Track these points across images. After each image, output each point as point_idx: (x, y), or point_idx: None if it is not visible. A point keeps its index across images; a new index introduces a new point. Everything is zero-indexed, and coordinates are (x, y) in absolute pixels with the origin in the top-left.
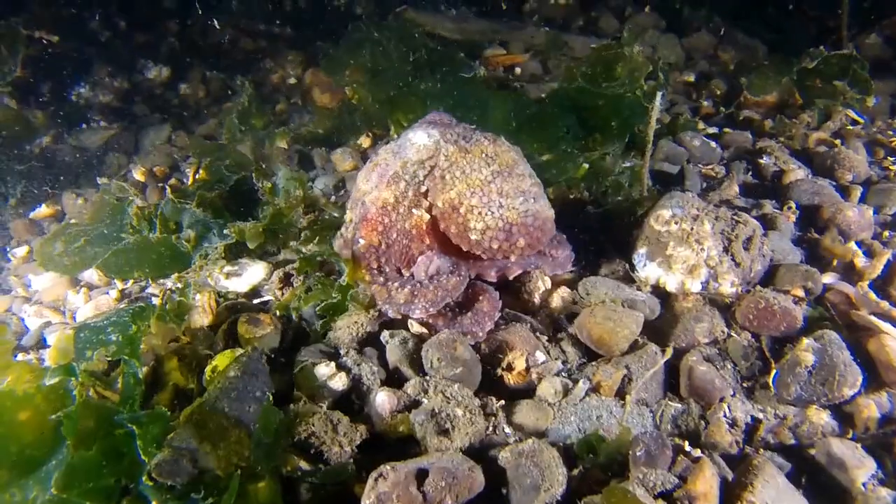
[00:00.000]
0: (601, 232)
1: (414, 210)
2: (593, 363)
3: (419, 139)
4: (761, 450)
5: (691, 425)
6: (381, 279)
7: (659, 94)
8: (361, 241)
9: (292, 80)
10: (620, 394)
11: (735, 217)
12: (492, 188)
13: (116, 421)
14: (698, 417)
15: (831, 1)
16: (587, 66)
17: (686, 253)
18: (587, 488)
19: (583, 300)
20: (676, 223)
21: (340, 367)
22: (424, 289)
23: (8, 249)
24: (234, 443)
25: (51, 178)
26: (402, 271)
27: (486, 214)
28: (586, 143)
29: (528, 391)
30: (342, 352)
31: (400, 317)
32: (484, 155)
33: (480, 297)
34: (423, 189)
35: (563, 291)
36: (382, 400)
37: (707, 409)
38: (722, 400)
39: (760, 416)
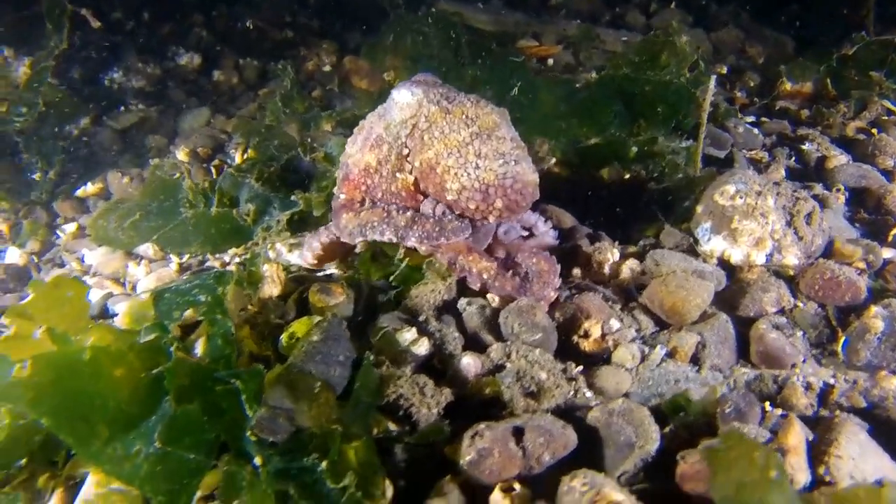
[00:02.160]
0: (661, 208)
1: (398, 174)
2: (665, 331)
3: (402, 98)
4: (837, 412)
5: (765, 390)
6: (368, 205)
7: (713, 77)
8: (342, 197)
9: (327, 68)
10: (694, 360)
11: (795, 193)
12: (469, 150)
13: (217, 377)
14: (771, 383)
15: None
16: (634, 55)
17: (752, 226)
18: (678, 446)
19: (652, 271)
20: (741, 198)
21: (422, 332)
22: (426, 219)
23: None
24: (323, 404)
25: (90, 159)
26: None
27: (461, 175)
28: (633, 128)
29: (603, 358)
30: (421, 318)
31: (395, 240)
32: (465, 116)
33: (536, 259)
34: (406, 152)
35: (632, 263)
36: (468, 363)
37: (779, 375)
38: (794, 366)
39: (832, 381)
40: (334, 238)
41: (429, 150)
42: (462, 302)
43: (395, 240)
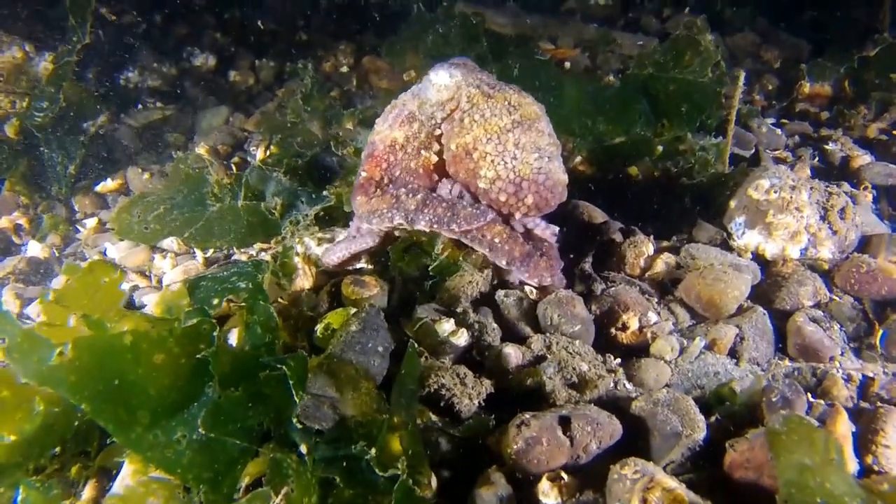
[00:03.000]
0: (695, 203)
1: (423, 151)
2: (702, 324)
3: (440, 79)
4: (878, 403)
5: (804, 383)
6: (379, 192)
7: (742, 72)
8: (363, 174)
9: (344, 69)
10: (732, 353)
11: (828, 189)
12: (509, 137)
13: (262, 363)
14: (810, 375)
15: (872, 3)
16: (659, 54)
17: (787, 220)
18: (723, 436)
19: (687, 265)
20: (776, 192)
21: (460, 323)
22: (437, 203)
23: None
24: (364, 393)
25: (109, 156)
26: None
27: (498, 164)
28: (657, 127)
29: (641, 350)
30: (458, 310)
31: (405, 224)
32: (507, 103)
33: (546, 246)
34: (438, 133)
35: (667, 257)
36: (509, 354)
37: (818, 368)
38: (832, 359)
39: (871, 373)
40: (348, 256)
41: (467, 133)
42: (500, 293)
43: (405, 223)
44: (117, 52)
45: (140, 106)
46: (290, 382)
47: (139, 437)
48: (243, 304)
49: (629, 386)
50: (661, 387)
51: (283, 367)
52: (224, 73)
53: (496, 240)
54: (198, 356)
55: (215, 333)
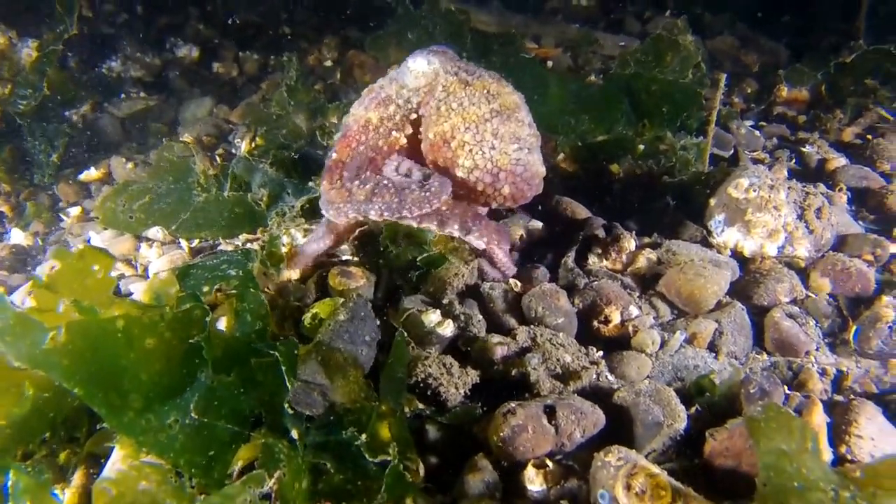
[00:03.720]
0: (675, 201)
1: (394, 132)
2: (682, 318)
3: (418, 66)
4: (852, 396)
5: (780, 377)
6: (339, 183)
7: (723, 76)
8: (333, 156)
9: (328, 63)
10: (711, 347)
11: (805, 189)
12: (487, 127)
13: (255, 349)
14: (786, 369)
15: (848, 12)
16: (641, 54)
17: (766, 218)
18: (702, 426)
19: (668, 261)
20: (755, 191)
21: (446, 315)
22: (385, 190)
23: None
24: (352, 381)
25: (91, 145)
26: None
27: (476, 153)
28: (638, 126)
29: (622, 343)
30: (444, 301)
31: (360, 217)
32: (486, 91)
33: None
34: (413, 117)
35: (649, 253)
36: (495, 345)
37: (794, 362)
38: (807, 353)
39: (845, 368)
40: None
41: (445, 121)
42: (485, 286)
43: (359, 217)
44: (98, 41)
45: (123, 96)
46: (283, 368)
47: (131, 421)
48: (231, 292)
49: (611, 377)
50: (642, 379)
51: (276, 353)
52: (208, 64)
53: (444, 208)
54: (190, 341)
55: (207, 319)
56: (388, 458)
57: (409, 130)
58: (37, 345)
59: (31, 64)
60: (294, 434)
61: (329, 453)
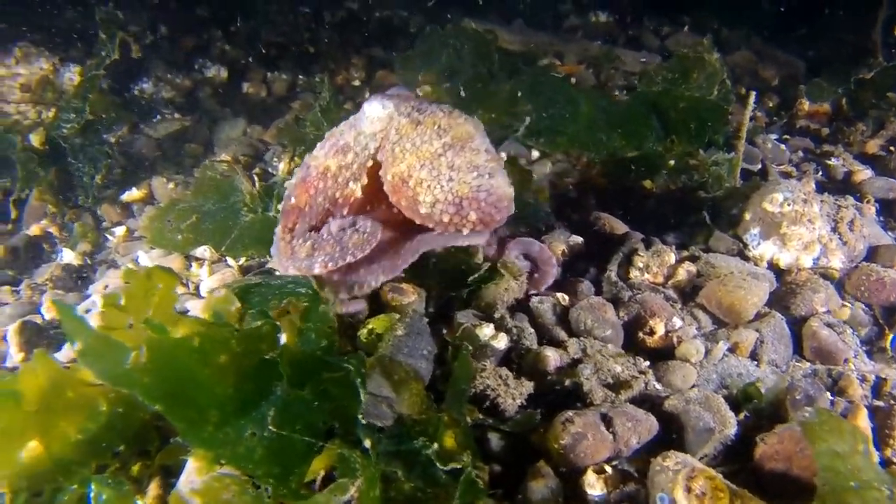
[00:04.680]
0: (712, 216)
1: (351, 183)
2: (723, 329)
3: (373, 111)
4: (892, 402)
5: (821, 384)
6: (289, 237)
7: (753, 93)
8: (292, 200)
9: (356, 83)
10: (752, 356)
11: (837, 202)
12: (442, 161)
13: (326, 363)
14: (826, 376)
15: (859, 25)
16: (667, 71)
17: (801, 231)
18: (751, 431)
19: (707, 273)
20: (789, 205)
21: (499, 328)
22: (325, 243)
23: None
24: (414, 394)
25: (129, 166)
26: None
27: (434, 188)
28: (667, 142)
29: (666, 353)
30: (496, 315)
31: (303, 273)
32: (437, 127)
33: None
34: (370, 164)
35: (688, 266)
36: (549, 356)
37: (833, 370)
38: (846, 361)
39: (884, 374)
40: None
41: (400, 162)
42: (534, 300)
43: (301, 273)
44: (129, 63)
45: (159, 117)
46: (357, 381)
47: (210, 435)
48: (288, 311)
49: (658, 386)
50: (688, 387)
51: (348, 367)
52: (236, 85)
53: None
54: (265, 356)
55: (279, 335)
56: (458, 466)
57: (365, 181)
58: (119, 364)
59: (75, 88)
60: (367, 444)
61: (400, 462)
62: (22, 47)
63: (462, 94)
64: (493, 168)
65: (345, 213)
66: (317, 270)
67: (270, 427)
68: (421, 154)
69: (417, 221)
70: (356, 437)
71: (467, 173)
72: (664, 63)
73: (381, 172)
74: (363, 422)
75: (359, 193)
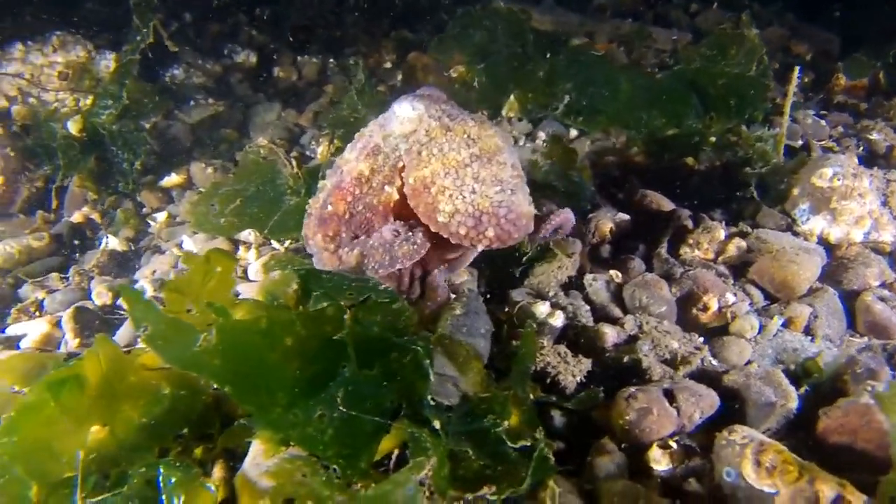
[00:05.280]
0: (759, 191)
1: (386, 187)
2: (776, 304)
3: (403, 111)
4: None
5: (880, 358)
6: (333, 246)
7: (797, 69)
8: (329, 208)
9: (388, 65)
10: (806, 331)
11: (886, 175)
12: (467, 172)
13: (393, 343)
14: (881, 350)
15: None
16: (707, 48)
17: (852, 206)
18: (812, 406)
19: (758, 248)
20: (839, 179)
21: (554, 306)
22: (374, 250)
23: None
24: (476, 372)
25: (165, 152)
26: None
27: (456, 198)
28: (706, 119)
29: (720, 329)
30: (550, 294)
31: None
32: (466, 136)
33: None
34: (400, 165)
35: (738, 241)
36: (607, 333)
37: (888, 343)
38: None
39: None
40: None
41: (425, 167)
42: (588, 277)
43: None
44: (158, 50)
45: (193, 102)
46: (426, 362)
47: (279, 417)
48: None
49: (715, 362)
50: (743, 362)
51: (417, 347)
52: (267, 69)
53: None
54: (334, 337)
55: (346, 316)
56: (527, 444)
57: (399, 182)
58: (188, 347)
59: (111, 75)
60: (436, 424)
61: (469, 441)
62: (59, 36)
63: (498, 73)
64: (516, 184)
65: (389, 220)
66: (368, 274)
67: (341, 408)
68: (447, 161)
69: (432, 230)
70: (423, 416)
71: (490, 187)
72: (703, 40)
73: (403, 174)
74: (432, 402)
75: (395, 196)
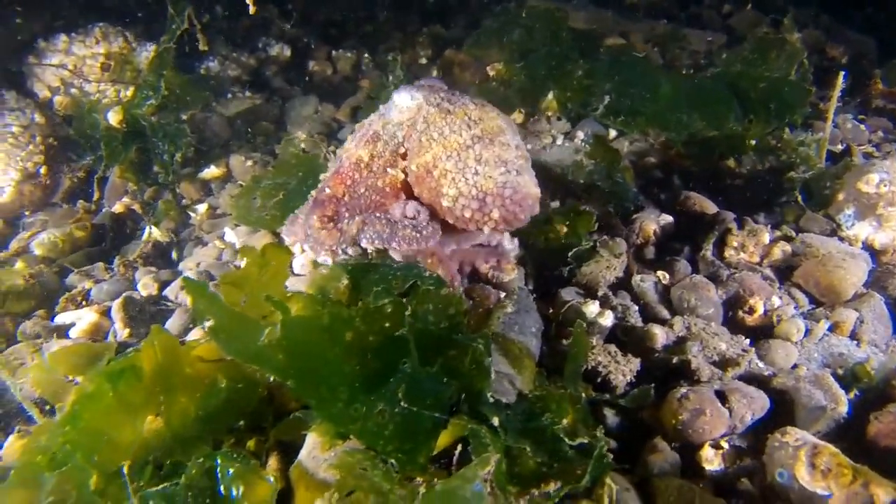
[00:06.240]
0: (803, 195)
1: (389, 169)
2: (821, 308)
3: (402, 101)
4: None
5: None
6: (332, 224)
7: (842, 73)
8: (327, 191)
9: (423, 61)
10: (852, 335)
11: None
12: (469, 154)
13: (457, 340)
14: None
15: None
16: (748, 52)
17: None
18: (862, 410)
19: (803, 253)
20: (886, 186)
21: (604, 305)
22: (377, 220)
23: (186, 207)
24: (529, 370)
25: (204, 144)
26: None
27: (459, 181)
28: (745, 122)
29: (765, 332)
30: (599, 293)
31: (353, 251)
32: (467, 118)
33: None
34: (402, 151)
35: (783, 245)
36: (657, 334)
37: None
38: None
39: None
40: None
41: (426, 152)
42: (636, 278)
43: (351, 252)
44: (194, 42)
45: (229, 95)
46: (487, 359)
47: (340, 411)
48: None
49: (761, 364)
50: (790, 365)
51: (478, 345)
52: (301, 63)
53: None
54: (391, 334)
55: (407, 313)
56: (584, 441)
57: (403, 164)
58: (252, 341)
59: (149, 65)
60: (495, 421)
61: (527, 438)
62: (101, 27)
63: (536, 71)
64: (521, 165)
65: (402, 198)
66: (364, 244)
67: (403, 403)
68: (448, 144)
69: (439, 216)
70: (480, 413)
71: (494, 168)
72: (743, 43)
73: (405, 162)
74: (491, 399)
75: (401, 177)
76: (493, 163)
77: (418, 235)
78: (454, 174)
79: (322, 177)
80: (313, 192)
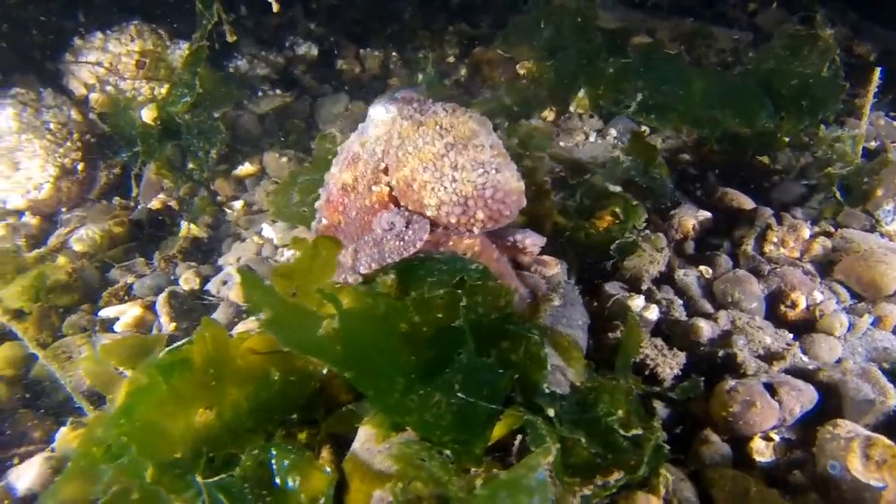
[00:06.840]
0: (841, 191)
1: (373, 187)
2: (864, 302)
3: (377, 114)
4: None
5: None
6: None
7: (878, 69)
8: (324, 221)
9: (451, 59)
10: (894, 330)
11: None
12: (444, 162)
13: (512, 331)
14: None
15: None
16: (780, 49)
17: None
18: None
19: (843, 248)
20: None
21: (649, 299)
22: (365, 245)
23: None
24: (578, 362)
25: (235, 142)
26: None
27: (438, 189)
28: (777, 119)
29: (807, 326)
30: (643, 287)
31: (353, 278)
32: (438, 127)
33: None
34: (382, 166)
35: (823, 240)
36: (703, 327)
37: None
38: None
39: None
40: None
41: (404, 167)
42: (679, 272)
43: (351, 280)
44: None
45: (260, 93)
46: (543, 351)
47: (396, 402)
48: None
49: (805, 358)
50: (834, 360)
51: (534, 335)
52: (330, 62)
53: (468, 254)
54: (446, 326)
55: (462, 304)
56: (638, 433)
57: (386, 179)
58: (310, 333)
59: (183, 63)
60: (550, 412)
61: (582, 429)
62: (136, 25)
63: (567, 69)
64: (499, 163)
65: (390, 209)
66: (362, 271)
67: (460, 394)
68: (423, 156)
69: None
70: (534, 404)
71: (471, 171)
72: (774, 40)
73: (388, 177)
74: (547, 390)
75: (387, 191)
76: (469, 167)
77: (402, 244)
78: (433, 184)
79: (316, 205)
80: (313, 224)
